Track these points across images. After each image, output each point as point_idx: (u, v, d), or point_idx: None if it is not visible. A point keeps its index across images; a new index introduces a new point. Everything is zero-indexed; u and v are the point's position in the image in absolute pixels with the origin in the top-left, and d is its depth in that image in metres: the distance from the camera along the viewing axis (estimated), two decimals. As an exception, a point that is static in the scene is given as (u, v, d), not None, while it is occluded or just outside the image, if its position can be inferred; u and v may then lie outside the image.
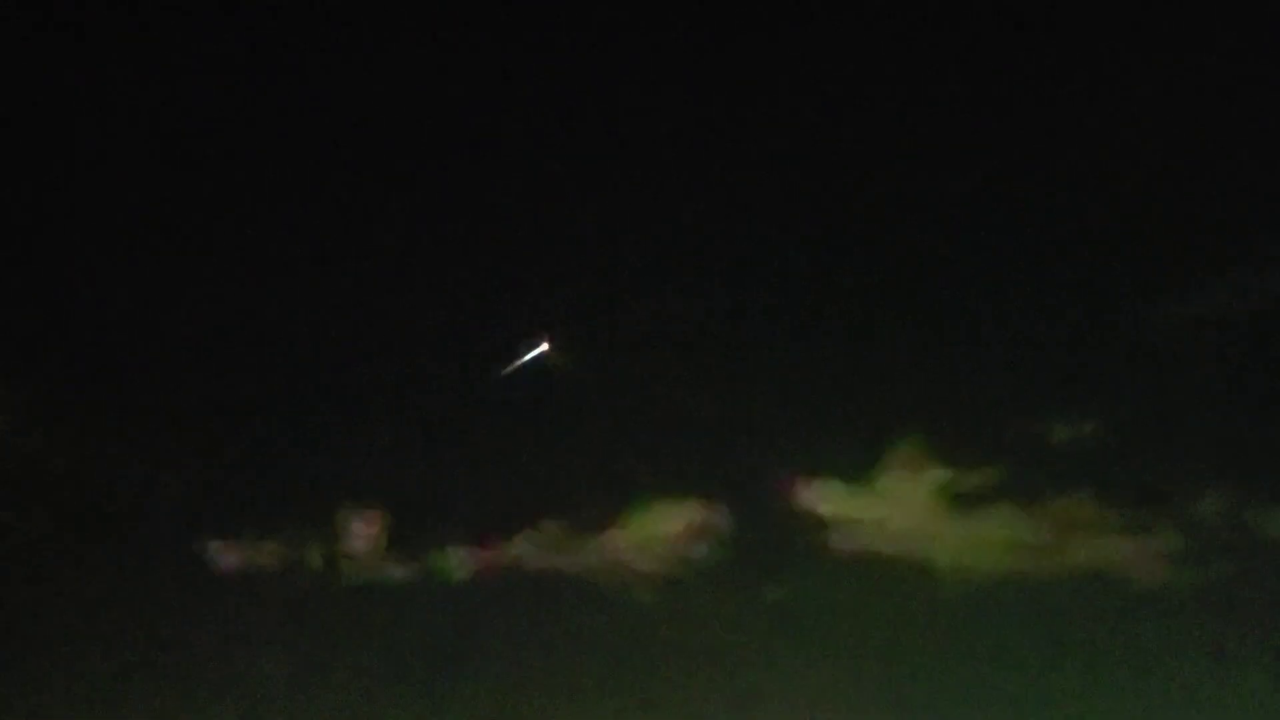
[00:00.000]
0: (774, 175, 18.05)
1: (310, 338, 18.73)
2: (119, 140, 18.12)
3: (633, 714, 17.62)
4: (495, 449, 18.92)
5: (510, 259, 18.42)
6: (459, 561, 18.49)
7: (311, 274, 18.86)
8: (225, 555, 18.48)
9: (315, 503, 18.79)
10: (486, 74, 17.92)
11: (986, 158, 18.07)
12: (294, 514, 18.71)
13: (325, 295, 18.76)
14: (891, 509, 18.27)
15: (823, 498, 18.37)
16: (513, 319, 18.58)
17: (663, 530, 18.45)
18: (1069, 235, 18.14)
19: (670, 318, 18.31)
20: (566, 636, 18.14)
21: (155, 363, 18.50)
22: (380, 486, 18.94)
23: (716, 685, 17.68)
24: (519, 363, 18.34)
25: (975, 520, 18.17)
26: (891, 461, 18.22)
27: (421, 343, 18.99)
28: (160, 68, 17.54)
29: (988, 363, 18.20)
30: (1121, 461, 17.98)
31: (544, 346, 18.22)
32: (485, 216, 18.63)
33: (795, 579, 18.08)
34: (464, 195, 18.46)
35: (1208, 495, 17.33)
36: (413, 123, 17.93)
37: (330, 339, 18.90)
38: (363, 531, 18.77)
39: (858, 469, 18.27)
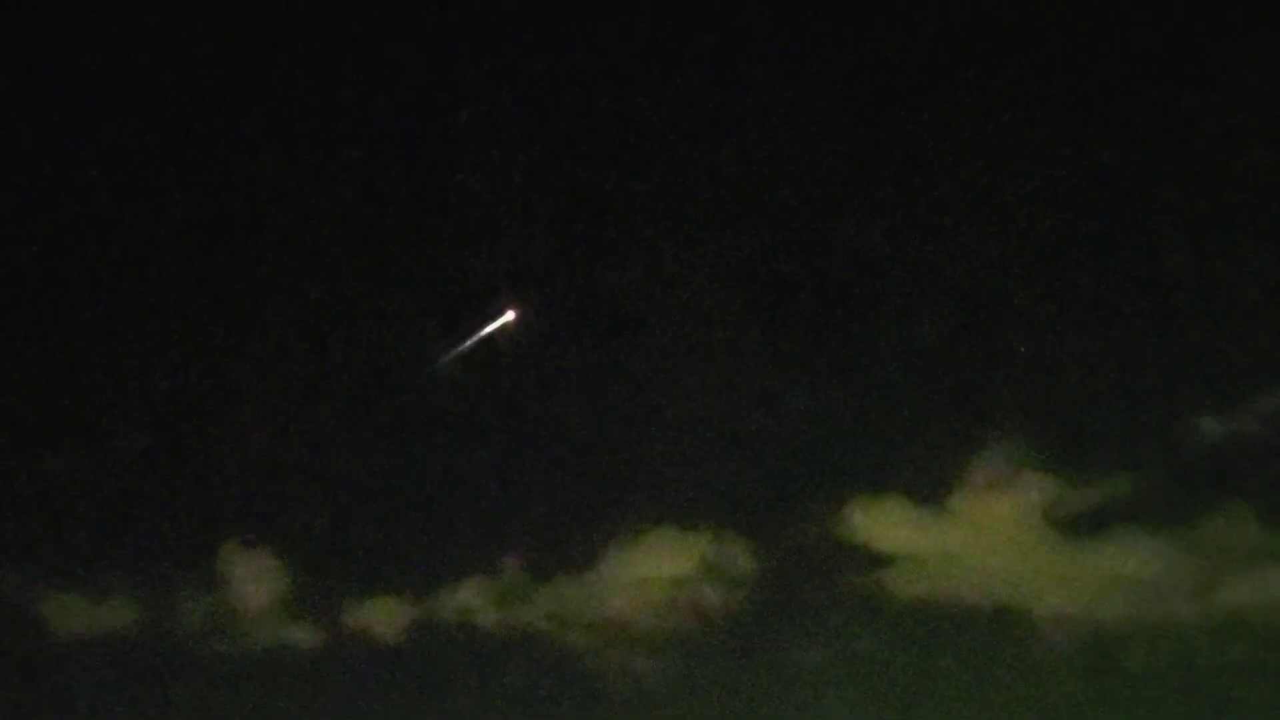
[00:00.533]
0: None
1: (163, 311, 14.39)
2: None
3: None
4: (433, 463, 14.54)
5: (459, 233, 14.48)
6: (385, 618, 14.33)
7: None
8: (68, 614, 14.41)
9: (187, 542, 14.55)
10: (447, 40, 14.74)
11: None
12: (158, 558, 14.51)
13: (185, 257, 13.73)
14: (975, 538, 13.99)
15: (880, 525, 14.05)
16: (460, 281, 14.63)
17: (662, 571, 14.29)
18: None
19: (674, 284, 14.32)
20: (532, 717, 14.01)
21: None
22: (276, 518, 14.53)
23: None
24: (469, 341, 14.15)
25: (1092, 551, 13.87)
26: (974, 474, 13.94)
27: (332, 322, 14.22)
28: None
29: (1109, 341, 13.75)
30: None
31: (507, 317, 14.09)
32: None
33: (843, 636, 14.10)
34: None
35: None
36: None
37: (200, 314, 14.44)
38: (252, 579, 14.42)
39: (928, 485, 13.99)
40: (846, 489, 14.02)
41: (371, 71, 14.57)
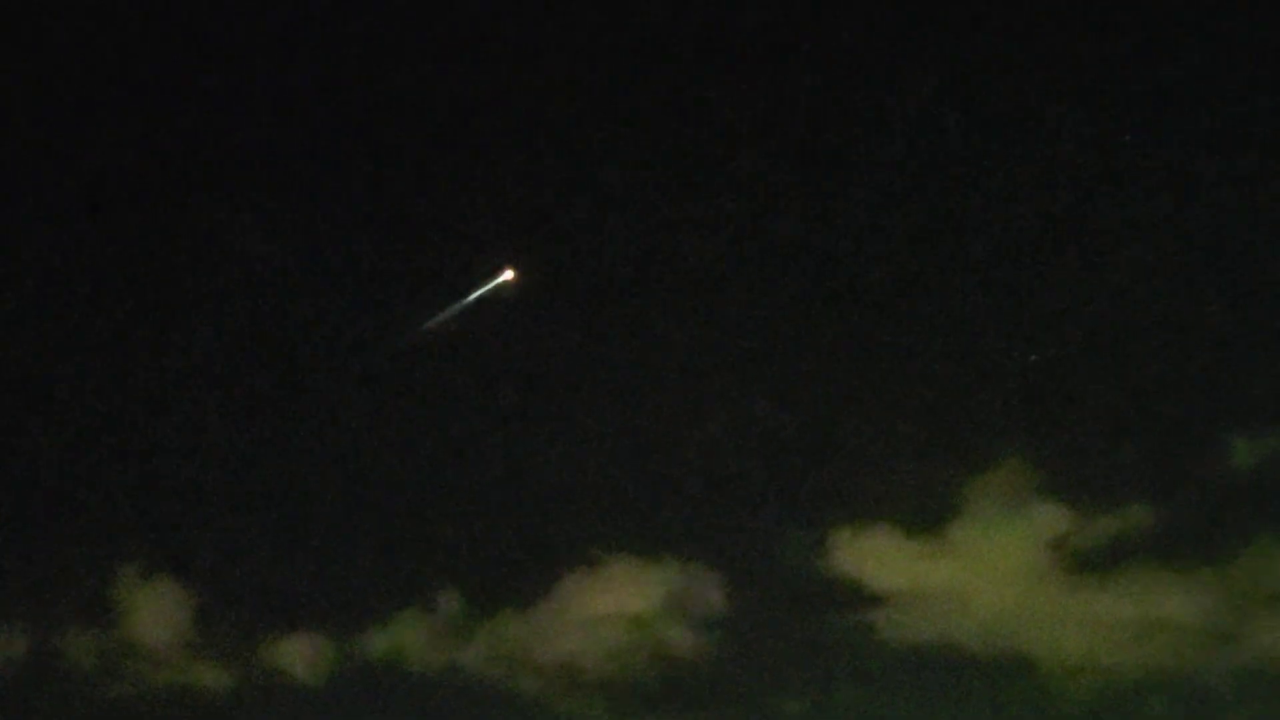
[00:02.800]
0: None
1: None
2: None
3: None
4: (362, 477, 13.00)
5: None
6: (305, 657, 12.78)
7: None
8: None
9: (77, 568, 12.90)
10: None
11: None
12: (44, 586, 12.93)
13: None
14: (975, 575, 12.43)
15: (869, 558, 12.48)
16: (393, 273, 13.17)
17: (622, 608, 12.73)
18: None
19: (639, 278, 12.89)
20: (471, 774, 12.67)
21: None
22: (180, 541, 12.95)
23: None
24: (458, 304, 12.63)
25: (1107, 590, 12.29)
26: (975, 502, 12.34)
27: (245, 315, 12.57)
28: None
29: (1127, 353, 12.17)
30: None
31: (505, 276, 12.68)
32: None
33: (826, 682, 12.55)
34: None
35: None
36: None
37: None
38: (153, 612, 12.85)
39: (923, 513, 12.39)
40: (831, 517, 12.55)
41: (370, 31, 13.31)
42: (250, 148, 13.27)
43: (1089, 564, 12.33)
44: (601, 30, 12.80)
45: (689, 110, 12.76)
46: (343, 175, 13.27)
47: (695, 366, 12.70)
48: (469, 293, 12.66)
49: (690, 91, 12.75)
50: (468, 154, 13.04)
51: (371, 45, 13.14)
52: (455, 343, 12.85)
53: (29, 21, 13.39)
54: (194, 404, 13.07)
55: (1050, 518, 12.34)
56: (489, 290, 12.61)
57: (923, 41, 12.22)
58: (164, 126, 13.45)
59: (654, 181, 12.80)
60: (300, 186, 13.23)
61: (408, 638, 12.69)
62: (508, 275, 12.70)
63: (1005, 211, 11.99)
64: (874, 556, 12.48)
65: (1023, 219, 12.01)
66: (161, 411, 13.02)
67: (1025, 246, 12.08)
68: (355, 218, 13.22)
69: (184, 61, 13.39)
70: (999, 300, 12.21)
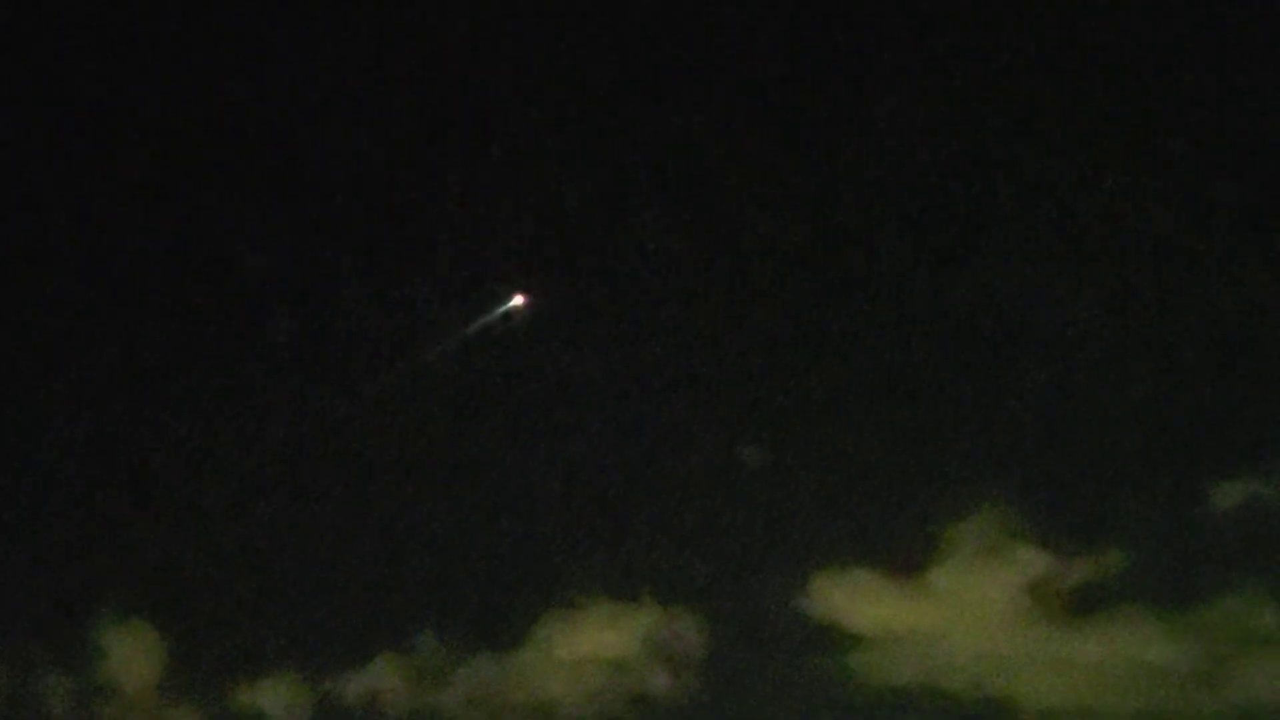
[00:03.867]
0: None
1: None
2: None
3: None
4: (337, 522, 12.71)
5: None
6: (280, 701, 12.49)
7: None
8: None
9: (54, 610, 12.64)
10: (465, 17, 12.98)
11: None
12: (17, 630, 12.62)
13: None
14: (955, 618, 12.28)
15: (849, 600, 12.32)
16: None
17: (601, 650, 12.51)
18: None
19: (636, 314, 12.67)
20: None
21: None
22: (157, 585, 12.59)
23: None
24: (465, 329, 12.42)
25: (1088, 634, 12.15)
26: (955, 545, 12.19)
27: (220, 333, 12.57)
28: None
29: (1108, 396, 12.02)
30: None
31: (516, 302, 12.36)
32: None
33: None
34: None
35: None
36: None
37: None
38: (131, 654, 12.58)
39: (903, 556, 12.24)
40: (811, 559, 12.36)
41: (387, 47, 13.06)
42: (257, 166, 13.04)
43: (1069, 608, 12.21)
44: (618, 55, 12.61)
45: (704, 142, 12.58)
46: (349, 199, 13.06)
47: (676, 409, 12.58)
48: (475, 319, 12.50)
49: (705, 120, 12.58)
50: (477, 179, 12.81)
51: (382, 65, 12.91)
52: (444, 378, 12.69)
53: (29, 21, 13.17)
54: (171, 445, 12.87)
55: (1030, 561, 12.22)
56: (497, 317, 12.40)
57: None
58: (169, 145, 13.19)
59: (662, 217, 12.65)
60: (301, 210, 13.04)
61: (384, 680, 12.48)
62: (518, 300, 12.51)
63: (984, 264, 11.88)
64: (854, 599, 12.34)
65: (1001, 271, 11.90)
66: (136, 454, 12.82)
67: (1006, 295, 11.97)
68: (360, 241, 13.03)
69: (194, 80, 13.14)
70: (979, 346, 12.12)
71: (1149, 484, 12.08)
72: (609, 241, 12.74)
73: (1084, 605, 12.18)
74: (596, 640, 12.50)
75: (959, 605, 12.28)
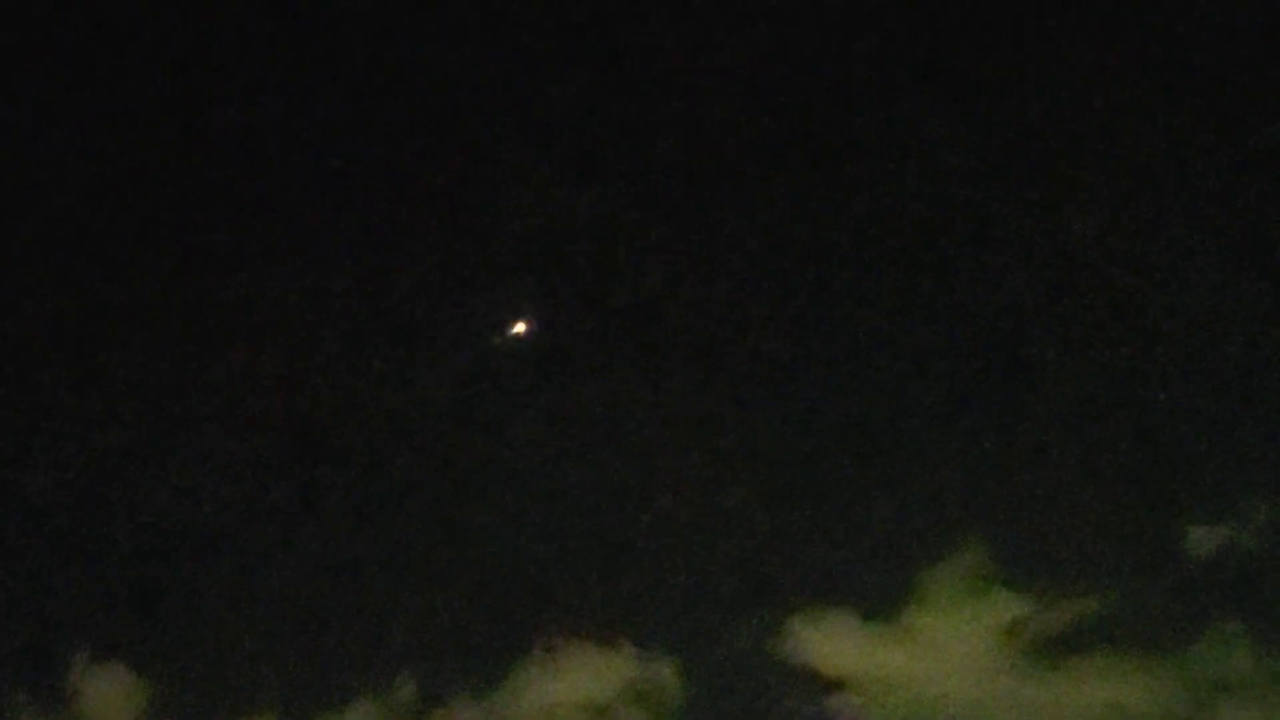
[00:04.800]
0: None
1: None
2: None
3: None
4: (311, 565, 12.62)
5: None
6: None
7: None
8: None
9: (26, 652, 12.53)
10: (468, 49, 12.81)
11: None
12: None
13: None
14: (933, 661, 12.21)
15: (826, 643, 12.23)
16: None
17: (577, 694, 12.39)
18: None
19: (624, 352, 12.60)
20: None
21: None
22: (131, 621, 12.60)
23: None
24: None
25: (1065, 677, 12.05)
26: (933, 587, 12.15)
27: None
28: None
29: (1085, 439, 11.97)
30: None
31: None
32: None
33: None
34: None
35: None
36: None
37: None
38: (106, 697, 12.42)
39: (881, 598, 12.21)
40: (789, 602, 12.29)
41: (390, 74, 12.90)
42: (261, 186, 12.95)
43: (1047, 651, 12.13)
44: (629, 84, 12.52)
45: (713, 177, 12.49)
46: (346, 224, 12.95)
47: (653, 451, 12.53)
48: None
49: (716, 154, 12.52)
50: (481, 206, 12.77)
51: (389, 84, 12.80)
52: (429, 416, 12.63)
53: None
54: (149, 483, 12.81)
55: (1008, 604, 12.16)
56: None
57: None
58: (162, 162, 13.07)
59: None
60: (294, 235, 12.91)
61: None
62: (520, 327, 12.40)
63: (959, 308, 11.87)
64: (832, 642, 12.26)
65: (977, 314, 11.88)
66: (114, 492, 12.76)
67: (983, 338, 11.95)
68: (357, 265, 12.88)
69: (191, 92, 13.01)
70: (957, 389, 12.08)
71: (1129, 528, 12.05)
72: (598, 275, 12.68)
73: (1062, 648, 12.13)
74: (575, 684, 12.42)
75: (936, 648, 12.20)
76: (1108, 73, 11.85)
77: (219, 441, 12.84)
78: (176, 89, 13.05)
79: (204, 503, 12.81)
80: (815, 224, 12.43)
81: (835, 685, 12.27)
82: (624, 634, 12.36)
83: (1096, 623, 12.04)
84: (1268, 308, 11.51)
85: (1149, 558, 12.01)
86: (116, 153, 13.11)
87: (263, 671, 12.44)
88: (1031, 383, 11.92)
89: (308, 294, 12.88)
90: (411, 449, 12.47)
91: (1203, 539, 11.93)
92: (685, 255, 12.56)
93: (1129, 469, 11.95)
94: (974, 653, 12.19)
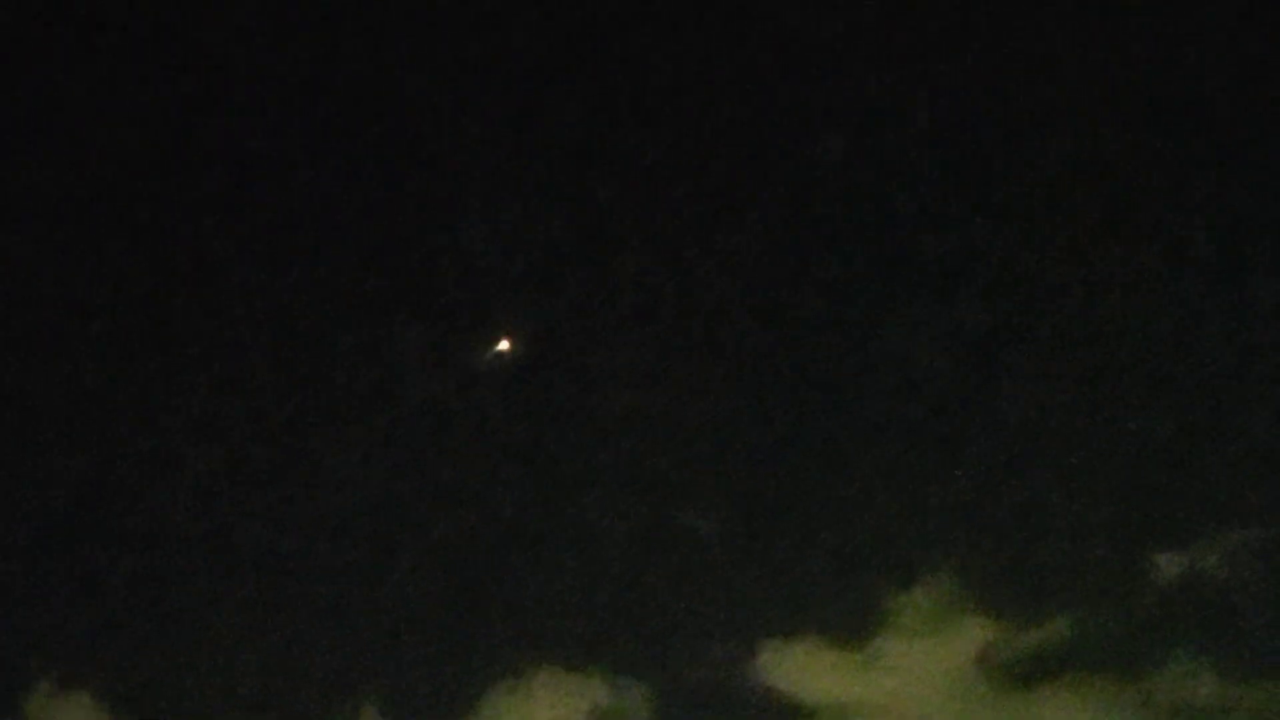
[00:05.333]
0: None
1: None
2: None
3: None
4: (277, 594, 12.44)
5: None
6: None
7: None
8: None
9: None
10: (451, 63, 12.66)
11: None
12: None
13: None
14: (902, 687, 12.25)
15: (796, 669, 12.25)
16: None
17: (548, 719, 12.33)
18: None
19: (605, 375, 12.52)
20: None
21: None
22: (93, 651, 12.36)
23: None
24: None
25: (1033, 702, 12.15)
26: (902, 613, 12.21)
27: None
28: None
29: (1053, 467, 12.04)
30: (1264, 605, 11.89)
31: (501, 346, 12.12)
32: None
33: None
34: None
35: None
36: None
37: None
38: None
39: (850, 625, 12.23)
40: (759, 629, 12.32)
41: (372, 92, 12.74)
42: (237, 209, 12.78)
43: (1015, 677, 12.20)
44: (615, 97, 12.42)
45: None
46: (330, 245, 12.85)
47: (625, 477, 12.49)
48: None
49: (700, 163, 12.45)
50: (464, 223, 12.67)
51: (372, 101, 12.64)
52: (400, 439, 12.51)
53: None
54: (110, 514, 12.65)
55: (976, 631, 12.26)
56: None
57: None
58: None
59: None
60: (277, 256, 12.77)
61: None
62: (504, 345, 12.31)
63: (930, 337, 11.91)
64: (802, 668, 12.29)
65: (948, 344, 11.94)
66: (75, 520, 12.59)
67: (952, 367, 12.00)
68: (342, 285, 12.71)
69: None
70: (924, 414, 12.14)
71: (1095, 555, 12.15)
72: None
73: (1030, 674, 12.21)
74: (545, 710, 12.39)
75: (905, 674, 12.26)
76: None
77: (190, 464, 12.69)
78: (167, 95, 12.81)
79: (171, 531, 12.63)
80: (790, 245, 12.41)
81: (806, 712, 12.31)
82: (595, 659, 12.33)
83: (1065, 648, 12.15)
84: (1235, 342, 11.63)
85: (1116, 585, 12.12)
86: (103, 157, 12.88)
87: (229, 702, 12.31)
88: (1001, 411, 11.98)
89: (290, 306, 12.71)
90: (381, 474, 12.36)
91: (1169, 566, 12.06)
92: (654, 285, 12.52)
93: (1097, 497, 12.04)
94: (944, 678, 12.26)
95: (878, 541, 12.22)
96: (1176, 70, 11.78)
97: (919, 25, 12.02)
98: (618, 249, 12.44)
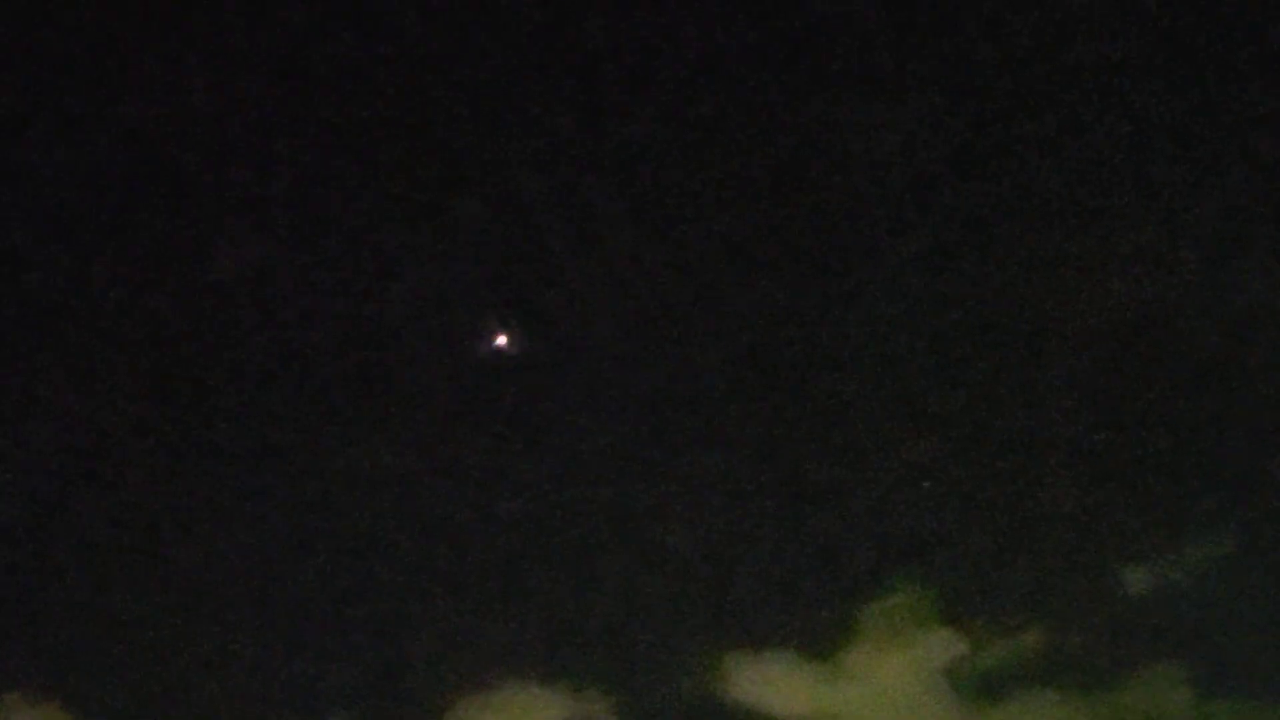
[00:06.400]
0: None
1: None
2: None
3: None
4: (242, 607, 12.40)
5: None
6: None
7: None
8: None
9: None
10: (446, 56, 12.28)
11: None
12: None
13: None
14: (870, 700, 12.19)
15: (764, 682, 12.18)
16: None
17: None
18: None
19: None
20: None
21: None
22: (66, 664, 12.26)
23: None
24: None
25: (1001, 714, 12.08)
26: (870, 626, 12.13)
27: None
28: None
29: (1021, 478, 11.95)
30: (1235, 618, 11.86)
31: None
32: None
33: None
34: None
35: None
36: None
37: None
38: None
39: (818, 637, 12.15)
40: (727, 639, 12.23)
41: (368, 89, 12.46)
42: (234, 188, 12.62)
43: (983, 689, 12.10)
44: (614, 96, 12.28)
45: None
46: (321, 239, 12.71)
47: (591, 491, 12.44)
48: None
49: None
50: (460, 221, 12.45)
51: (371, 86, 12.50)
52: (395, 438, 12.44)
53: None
54: (80, 525, 12.65)
55: (945, 643, 12.17)
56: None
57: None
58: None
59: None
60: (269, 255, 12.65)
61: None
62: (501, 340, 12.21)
63: (895, 345, 11.83)
64: (770, 682, 12.21)
65: (913, 352, 11.85)
66: (46, 532, 12.61)
67: (916, 376, 11.91)
68: (333, 278, 12.58)
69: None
70: (891, 427, 12.04)
71: (1064, 567, 12.05)
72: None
73: (999, 687, 12.11)
74: (502, 727, 12.36)
75: (874, 687, 12.17)
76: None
77: (167, 468, 12.66)
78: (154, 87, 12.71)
79: (142, 539, 12.62)
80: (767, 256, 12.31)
81: (774, 723, 12.25)
82: (563, 673, 12.28)
83: (1035, 661, 12.04)
84: (1200, 356, 11.52)
85: (1087, 597, 12.02)
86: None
87: (196, 713, 12.31)
88: (969, 424, 11.88)
89: (283, 300, 12.61)
90: (343, 490, 12.34)
91: (1139, 579, 11.95)
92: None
93: (1067, 507, 11.94)
94: (913, 691, 12.18)
95: (846, 553, 12.14)
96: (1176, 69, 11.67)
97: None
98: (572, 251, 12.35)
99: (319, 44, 12.42)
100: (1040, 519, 12.02)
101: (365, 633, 12.30)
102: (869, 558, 12.12)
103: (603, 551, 12.43)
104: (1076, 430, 11.95)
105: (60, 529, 12.67)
